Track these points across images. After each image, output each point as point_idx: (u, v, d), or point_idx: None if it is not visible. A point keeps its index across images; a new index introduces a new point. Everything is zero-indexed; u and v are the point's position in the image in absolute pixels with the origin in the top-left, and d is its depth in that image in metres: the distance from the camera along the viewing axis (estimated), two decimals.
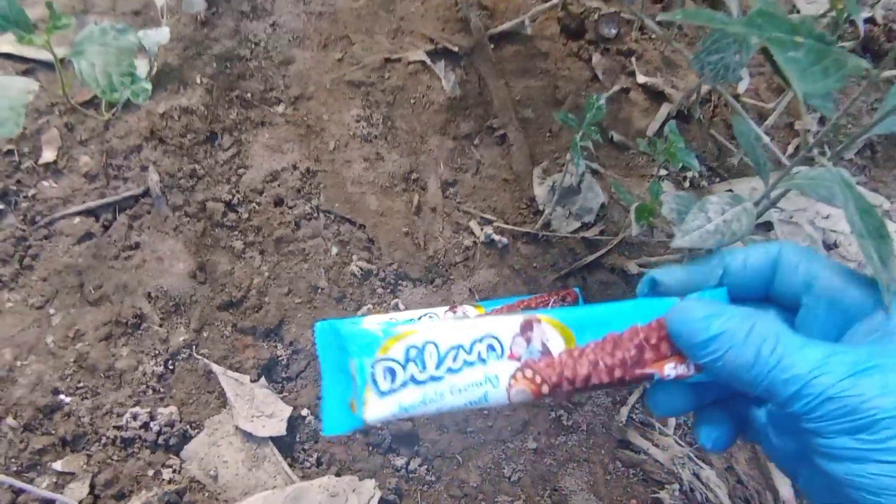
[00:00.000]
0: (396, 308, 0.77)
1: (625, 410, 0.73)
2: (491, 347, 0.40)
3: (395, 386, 0.39)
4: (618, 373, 0.38)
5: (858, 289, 0.37)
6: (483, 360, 0.39)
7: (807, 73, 0.36)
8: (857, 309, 0.36)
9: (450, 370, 0.41)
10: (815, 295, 0.38)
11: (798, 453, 0.38)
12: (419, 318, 0.53)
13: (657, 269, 0.40)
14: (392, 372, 0.39)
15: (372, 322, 0.39)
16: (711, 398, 0.41)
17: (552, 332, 0.40)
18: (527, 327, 0.40)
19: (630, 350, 0.38)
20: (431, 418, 0.68)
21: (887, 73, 0.43)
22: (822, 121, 1.00)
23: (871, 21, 1.06)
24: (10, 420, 0.67)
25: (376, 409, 0.39)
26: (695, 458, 0.71)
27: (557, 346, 0.39)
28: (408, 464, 0.68)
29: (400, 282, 0.79)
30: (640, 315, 0.39)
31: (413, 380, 0.39)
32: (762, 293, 0.40)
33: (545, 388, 0.39)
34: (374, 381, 0.39)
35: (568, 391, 0.40)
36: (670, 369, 0.38)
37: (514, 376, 0.39)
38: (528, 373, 0.39)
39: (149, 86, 0.71)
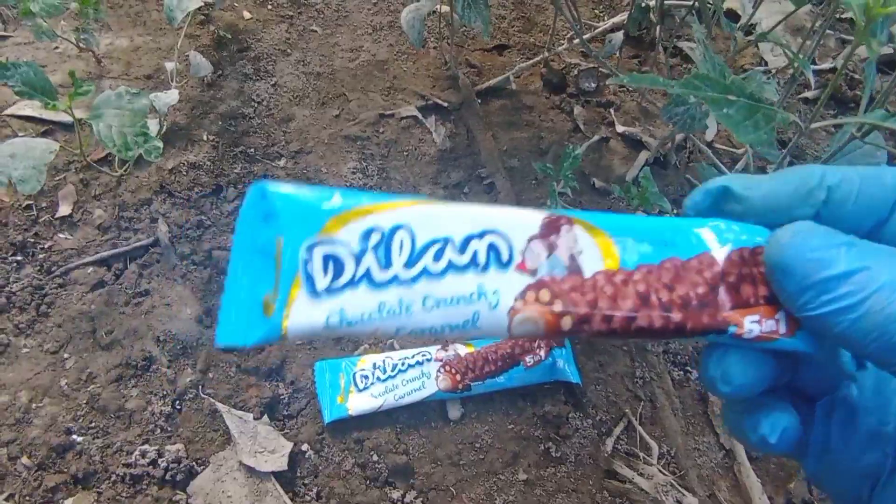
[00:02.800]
0: (392, 348, 0.81)
1: (610, 441, 0.77)
2: (494, 249, 0.26)
3: (337, 284, 0.25)
4: (677, 316, 0.26)
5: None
6: (479, 266, 0.25)
7: (740, 127, 0.42)
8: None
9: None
10: None
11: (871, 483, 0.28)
12: (412, 356, 0.75)
13: (731, 176, 0.28)
14: (337, 262, 0.25)
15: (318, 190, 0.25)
16: (786, 379, 0.29)
17: (587, 241, 0.27)
18: (551, 228, 0.26)
19: (699, 286, 0.26)
20: (391, 408, 0.76)
21: (815, 125, 0.48)
22: (792, 163, 1.06)
23: (832, 71, 1.14)
24: (24, 459, 0.70)
25: (304, 315, 0.24)
26: (678, 486, 0.74)
27: (593, 262, 0.26)
28: (403, 496, 0.72)
29: None
30: (716, 239, 0.27)
31: (368, 278, 0.25)
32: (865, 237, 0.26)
33: (566, 322, 0.25)
34: (308, 273, 0.24)
35: (598, 331, 0.26)
36: (752, 323, 0.26)
37: (522, 297, 0.25)
38: (545, 295, 0.26)
39: (160, 144, 0.77)
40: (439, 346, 0.76)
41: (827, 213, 0.26)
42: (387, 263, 0.24)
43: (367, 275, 0.24)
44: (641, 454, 0.76)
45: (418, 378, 0.74)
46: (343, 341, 0.82)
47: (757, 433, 0.28)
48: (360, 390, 0.75)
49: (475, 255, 0.25)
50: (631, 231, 0.27)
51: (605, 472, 0.75)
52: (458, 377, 0.73)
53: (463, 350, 0.75)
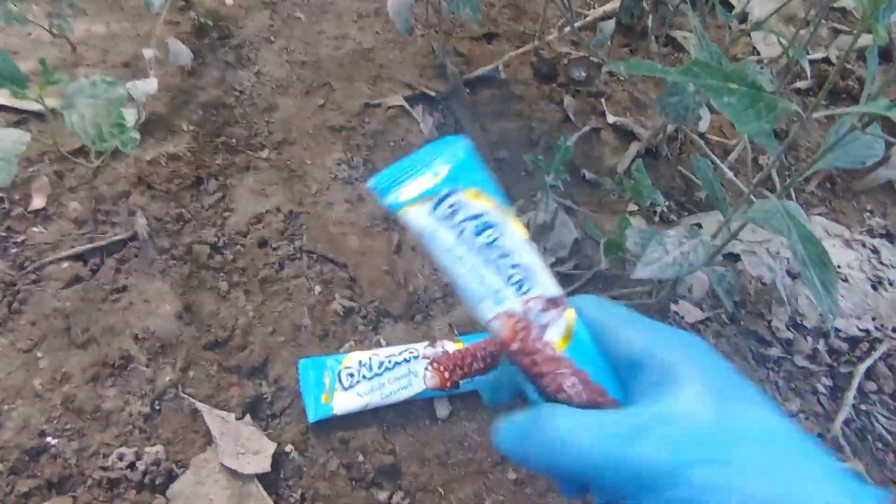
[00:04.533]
0: (378, 344, 0.79)
1: None
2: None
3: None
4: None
5: (632, 332, 0.36)
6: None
7: (741, 116, 0.40)
8: (632, 355, 0.35)
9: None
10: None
11: None
12: (399, 353, 0.76)
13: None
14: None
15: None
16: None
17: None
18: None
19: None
20: (378, 407, 0.76)
21: (816, 115, 0.46)
22: (786, 155, 1.04)
23: (826, 61, 1.12)
24: None
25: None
26: None
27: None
28: (390, 498, 0.70)
29: (381, 319, 0.81)
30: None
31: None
32: None
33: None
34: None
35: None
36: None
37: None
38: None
39: (137, 135, 0.74)
40: (427, 343, 0.74)
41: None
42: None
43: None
44: None
45: (405, 376, 0.72)
46: (328, 338, 0.80)
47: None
48: (345, 389, 0.73)
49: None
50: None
51: None
52: (447, 374, 0.71)
53: (451, 347, 0.73)
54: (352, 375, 0.73)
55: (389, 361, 0.73)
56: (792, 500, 0.30)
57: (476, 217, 0.38)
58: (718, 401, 0.33)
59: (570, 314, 0.38)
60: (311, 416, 0.72)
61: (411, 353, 0.74)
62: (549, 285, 0.38)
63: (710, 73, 0.39)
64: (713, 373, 0.34)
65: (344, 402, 0.72)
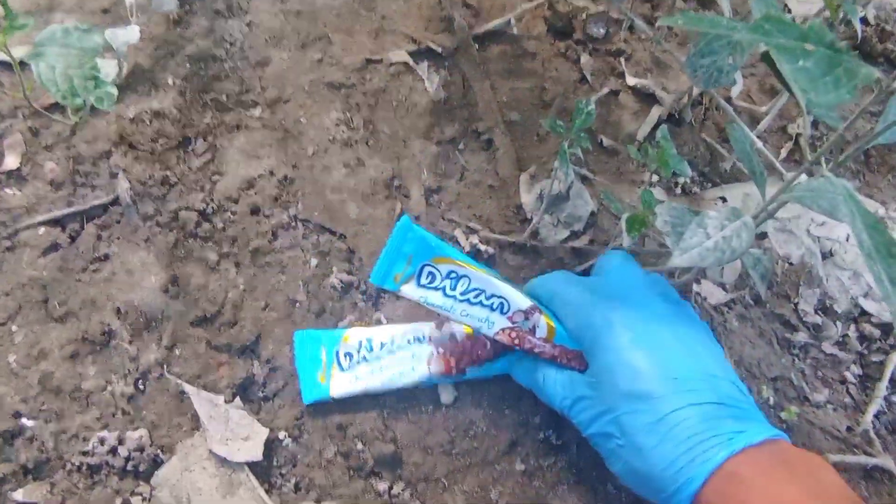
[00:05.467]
0: (379, 322, 0.73)
1: None
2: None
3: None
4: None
5: (572, 320, 0.61)
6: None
7: (818, 84, 0.34)
8: (578, 335, 0.61)
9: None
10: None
11: None
12: (403, 335, 0.69)
13: None
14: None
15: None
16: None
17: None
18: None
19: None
20: (377, 393, 0.68)
21: None
22: (815, 124, 0.97)
23: (863, 21, 1.04)
24: None
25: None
26: None
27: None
28: (390, 488, 0.65)
29: (382, 294, 0.75)
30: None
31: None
32: None
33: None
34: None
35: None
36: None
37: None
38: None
39: (114, 90, 0.67)
40: (434, 325, 0.68)
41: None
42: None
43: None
44: None
45: (409, 360, 0.66)
46: (325, 314, 0.74)
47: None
48: (343, 370, 0.67)
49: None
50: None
51: None
52: (453, 361, 0.65)
53: (460, 332, 0.66)
54: (350, 356, 0.67)
55: (392, 343, 0.67)
56: (663, 473, 0.49)
57: (448, 275, 0.58)
58: (616, 380, 0.53)
59: (545, 316, 0.59)
60: (307, 397, 0.67)
61: (417, 336, 0.67)
62: (520, 301, 0.59)
63: (785, 30, 0.33)
64: (620, 349, 0.54)
65: (341, 385, 0.66)
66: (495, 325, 0.58)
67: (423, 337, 0.67)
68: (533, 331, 0.57)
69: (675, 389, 0.49)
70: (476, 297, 0.56)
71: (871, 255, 0.41)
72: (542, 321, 0.58)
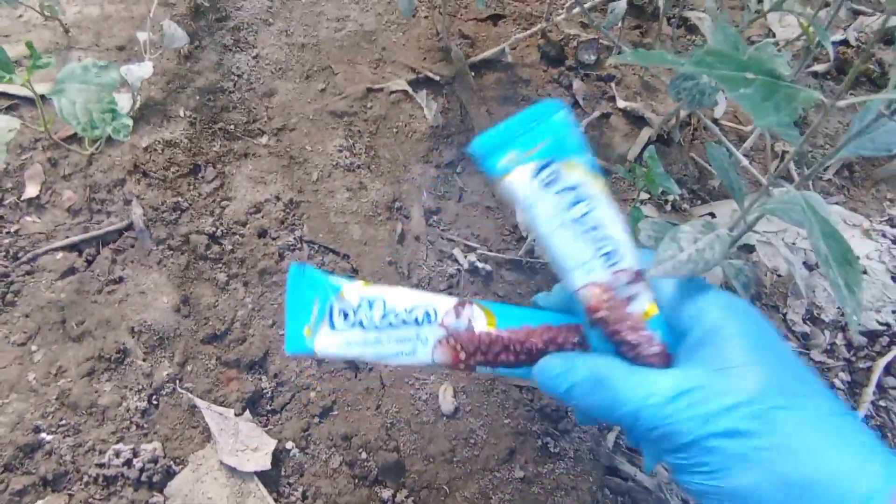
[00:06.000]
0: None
1: (612, 436, 0.73)
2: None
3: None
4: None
5: (680, 301, 0.42)
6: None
7: (758, 108, 0.37)
8: (680, 323, 0.41)
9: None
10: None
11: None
12: (411, 310, 0.53)
13: (540, 295, 0.49)
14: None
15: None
16: None
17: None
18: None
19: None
20: (367, 363, 0.67)
21: (842, 103, 0.43)
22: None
23: (844, 43, 1.08)
24: None
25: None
26: None
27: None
28: (394, 496, 0.68)
29: None
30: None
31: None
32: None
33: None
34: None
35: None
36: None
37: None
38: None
39: (129, 122, 0.72)
40: (454, 304, 0.51)
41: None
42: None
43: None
44: None
45: (411, 340, 0.52)
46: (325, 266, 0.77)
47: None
48: (333, 329, 0.53)
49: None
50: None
51: (605, 469, 0.72)
52: (462, 355, 0.52)
53: (481, 323, 0.51)
54: (346, 316, 0.53)
55: (396, 317, 0.52)
56: (837, 481, 0.34)
57: (571, 189, 0.41)
58: (756, 371, 0.37)
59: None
60: (289, 348, 0.52)
61: (427, 314, 0.52)
62: (635, 259, 0.42)
63: (726, 62, 0.36)
64: (752, 338, 0.39)
65: (328, 344, 0.52)
66: (592, 275, 0.42)
67: (435, 316, 0.52)
68: (628, 302, 0.42)
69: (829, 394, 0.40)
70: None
71: (828, 262, 0.44)
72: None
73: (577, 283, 0.42)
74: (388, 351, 0.51)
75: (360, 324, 0.51)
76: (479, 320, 0.50)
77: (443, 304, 0.49)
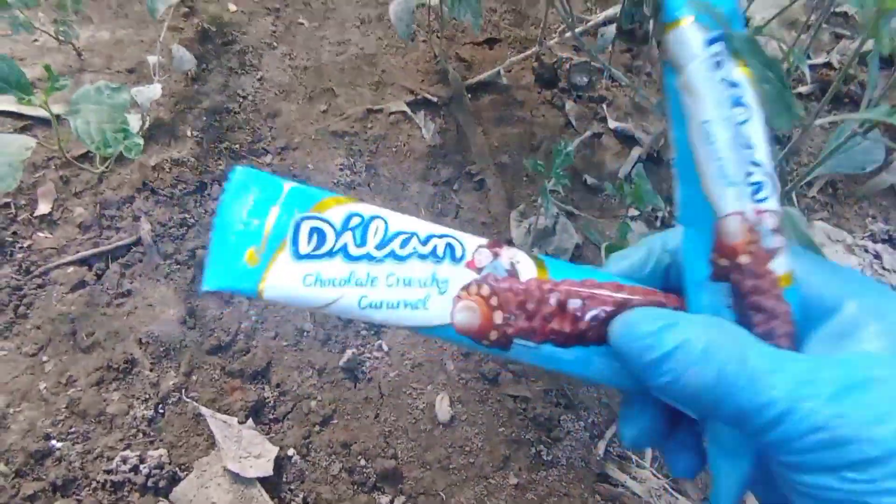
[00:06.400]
0: (380, 349, 0.79)
1: (602, 444, 0.76)
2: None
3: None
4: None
5: (821, 276, 0.29)
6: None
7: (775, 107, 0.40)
8: (820, 303, 0.28)
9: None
10: None
11: (764, 482, 0.30)
12: (427, 238, 0.33)
13: (614, 255, 0.34)
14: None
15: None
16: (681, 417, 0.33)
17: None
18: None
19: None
20: (345, 319, 0.37)
21: (819, 122, 0.47)
22: (787, 160, 1.04)
23: (827, 66, 1.12)
24: (1, 466, 0.68)
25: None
26: (671, 490, 0.73)
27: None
28: (392, 502, 0.70)
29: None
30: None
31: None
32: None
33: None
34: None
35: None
36: None
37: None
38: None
39: (140, 141, 0.75)
40: (489, 242, 0.32)
41: (675, 267, 0.32)
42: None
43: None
44: (634, 457, 0.75)
45: (424, 283, 0.32)
46: (330, 342, 0.80)
47: (670, 468, 0.33)
48: (298, 258, 0.31)
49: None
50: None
51: (597, 476, 0.74)
52: (498, 315, 0.32)
53: (528, 268, 0.32)
54: (323, 236, 0.31)
55: (404, 243, 0.31)
56: None
57: (734, 85, 0.28)
58: None
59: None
60: (212, 280, 0.30)
61: (450, 245, 0.33)
62: (470, 238, 0.31)
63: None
64: None
65: (285, 283, 0.30)
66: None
67: (461, 254, 0.32)
68: (771, 255, 0.28)
69: None
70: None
71: None
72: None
73: (727, 206, 0.28)
74: (383, 297, 0.31)
75: (344, 251, 0.31)
76: (526, 264, 0.32)
77: (472, 240, 0.32)
